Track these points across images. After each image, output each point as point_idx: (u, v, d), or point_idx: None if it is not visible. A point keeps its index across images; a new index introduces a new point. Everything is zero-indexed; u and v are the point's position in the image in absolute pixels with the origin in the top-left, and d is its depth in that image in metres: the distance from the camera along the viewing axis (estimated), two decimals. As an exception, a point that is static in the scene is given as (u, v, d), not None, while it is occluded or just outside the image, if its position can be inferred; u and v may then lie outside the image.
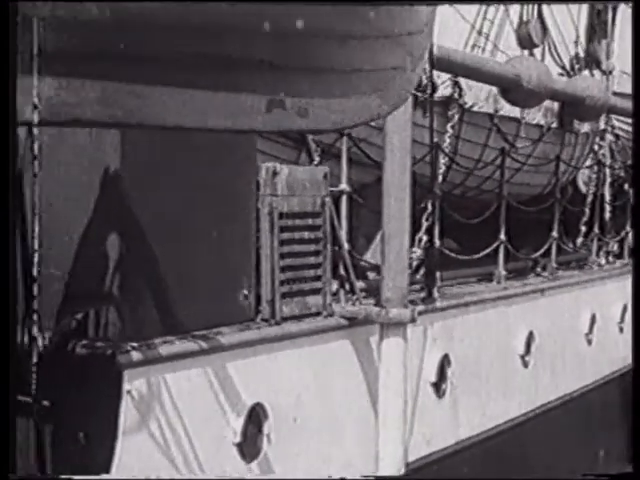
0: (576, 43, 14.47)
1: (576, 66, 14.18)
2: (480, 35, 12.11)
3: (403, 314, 7.34)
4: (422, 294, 8.69)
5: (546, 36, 13.41)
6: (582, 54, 14.55)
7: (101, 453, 5.77)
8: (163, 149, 5.94)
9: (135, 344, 5.82)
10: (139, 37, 2.71)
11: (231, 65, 3.05)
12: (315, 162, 7.62)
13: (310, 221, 7.16)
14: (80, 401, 5.67)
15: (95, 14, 2.47)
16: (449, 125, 9.50)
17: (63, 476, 5.53)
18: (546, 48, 13.35)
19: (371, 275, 8.83)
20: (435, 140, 8.72)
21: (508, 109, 10.54)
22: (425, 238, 9.00)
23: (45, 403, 5.26)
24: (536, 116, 11.22)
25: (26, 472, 5.47)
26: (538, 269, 11.32)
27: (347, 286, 7.74)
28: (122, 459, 5.66)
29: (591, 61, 14.84)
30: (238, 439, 6.37)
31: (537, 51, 13.13)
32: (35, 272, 5.03)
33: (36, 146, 3.30)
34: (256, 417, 6.52)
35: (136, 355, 5.75)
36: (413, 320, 7.42)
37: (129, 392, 5.71)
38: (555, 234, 11.45)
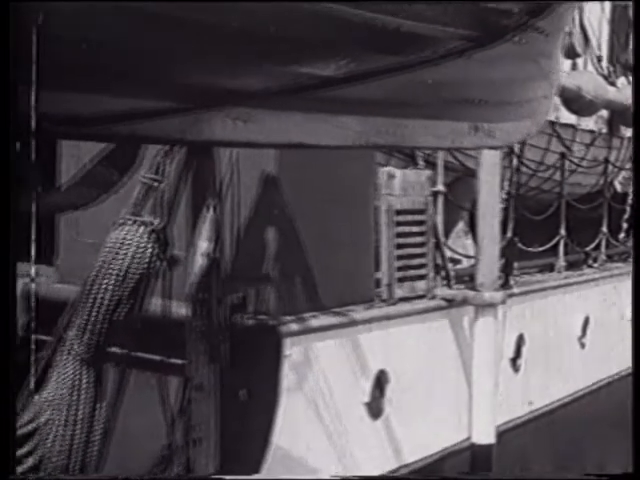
0: (599, 46, 15.47)
1: (612, 74, 15.28)
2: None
3: (495, 296, 8.56)
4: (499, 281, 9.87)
5: (588, 46, 14.55)
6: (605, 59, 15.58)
7: (262, 409, 6.97)
8: (309, 158, 7.11)
9: (291, 317, 7.03)
10: (413, 92, 3.89)
11: (458, 102, 4.24)
12: (420, 166, 8.80)
13: (417, 217, 8.36)
14: (243, 364, 6.85)
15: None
16: (518, 132, 10.63)
17: (64, 476, 6.65)
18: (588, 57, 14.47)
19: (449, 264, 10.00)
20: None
21: (566, 116, 11.72)
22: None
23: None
24: (589, 123, 12.42)
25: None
26: (590, 261, 12.51)
27: (442, 273, 8.93)
28: (285, 414, 6.85)
29: (626, 69, 15.92)
30: (367, 399, 7.58)
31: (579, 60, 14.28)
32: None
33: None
34: (380, 381, 7.73)
35: (293, 326, 6.95)
36: (504, 302, 8.63)
37: (288, 356, 6.91)
38: (605, 229, 12.64)
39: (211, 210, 5.94)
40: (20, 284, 8.78)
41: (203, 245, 6.00)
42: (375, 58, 2.95)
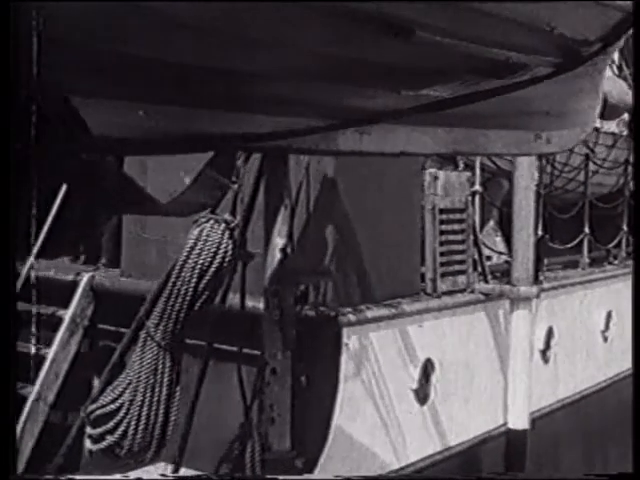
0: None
1: (629, 76, 15.81)
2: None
3: (531, 291, 9.13)
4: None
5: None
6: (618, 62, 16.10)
7: (322, 394, 7.51)
8: (363, 162, 7.66)
9: (348, 309, 7.59)
10: (493, 105, 4.46)
11: (527, 114, 4.81)
12: (460, 168, 9.37)
13: (458, 215, 8.94)
14: (304, 352, 7.40)
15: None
16: (546, 135, 11.20)
17: (63, 476, 7.07)
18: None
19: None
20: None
21: (590, 120, 12.26)
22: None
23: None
24: (611, 125, 13.00)
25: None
26: (610, 258, 13.09)
27: (479, 268, 9.50)
28: (344, 399, 7.41)
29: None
30: (415, 386, 8.15)
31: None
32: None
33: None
34: (427, 369, 8.30)
35: (351, 317, 7.51)
36: (538, 296, 9.20)
37: (347, 345, 7.47)
38: (625, 228, 13.22)
39: (286, 209, 6.52)
40: (86, 277, 9.34)
41: (279, 241, 6.57)
42: (482, 82, 3.52)
